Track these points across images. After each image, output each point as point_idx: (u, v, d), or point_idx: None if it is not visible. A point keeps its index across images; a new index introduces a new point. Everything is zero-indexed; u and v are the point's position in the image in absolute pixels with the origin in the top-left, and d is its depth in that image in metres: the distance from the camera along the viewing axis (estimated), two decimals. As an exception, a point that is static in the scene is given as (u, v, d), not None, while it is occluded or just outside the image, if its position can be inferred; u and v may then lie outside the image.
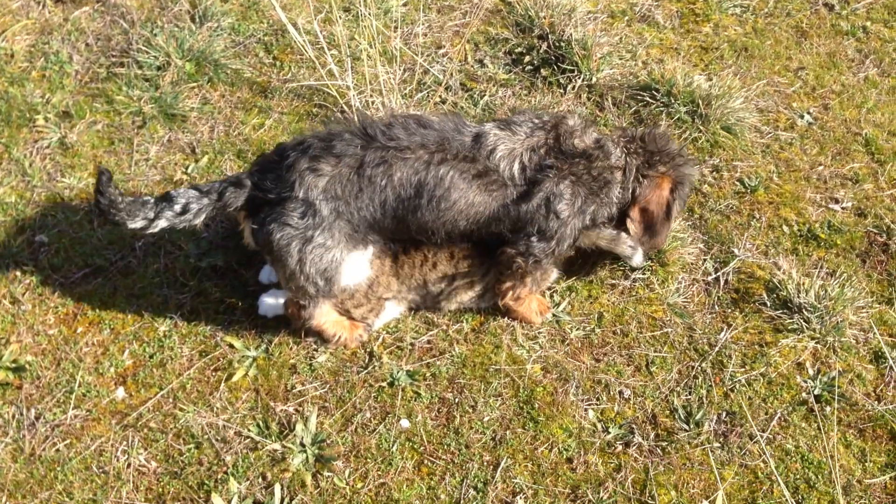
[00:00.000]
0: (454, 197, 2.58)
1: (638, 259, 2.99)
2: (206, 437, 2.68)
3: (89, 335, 2.90)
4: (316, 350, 2.88)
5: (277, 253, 2.55)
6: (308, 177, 2.50)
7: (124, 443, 2.66)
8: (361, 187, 2.53)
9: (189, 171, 3.32)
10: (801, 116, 3.67)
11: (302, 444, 2.67)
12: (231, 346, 2.88)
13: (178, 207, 2.53)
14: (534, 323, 2.95)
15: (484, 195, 2.62)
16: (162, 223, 2.54)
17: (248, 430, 2.69)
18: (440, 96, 3.53)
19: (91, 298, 2.97)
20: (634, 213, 2.77)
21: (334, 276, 2.63)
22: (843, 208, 3.36)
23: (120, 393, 2.78)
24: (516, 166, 2.62)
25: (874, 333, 2.98)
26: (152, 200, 2.53)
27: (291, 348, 2.88)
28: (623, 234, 2.87)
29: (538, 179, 2.61)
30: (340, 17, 3.80)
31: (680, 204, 2.83)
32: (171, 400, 2.76)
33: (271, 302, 2.91)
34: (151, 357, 2.85)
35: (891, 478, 2.67)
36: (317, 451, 2.66)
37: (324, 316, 2.77)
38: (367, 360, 2.88)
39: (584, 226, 2.74)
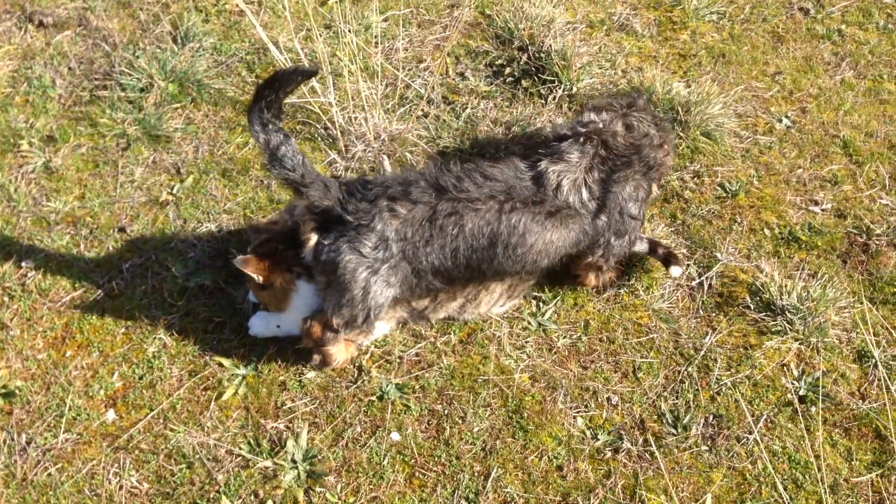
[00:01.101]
0: (530, 241, 2.69)
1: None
2: (197, 456, 2.69)
3: (78, 358, 2.91)
4: (305, 366, 2.89)
5: (341, 275, 2.58)
6: (385, 214, 2.57)
7: (116, 465, 2.67)
8: (433, 234, 2.60)
9: (175, 191, 3.34)
10: (780, 120, 3.72)
11: (293, 461, 2.68)
12: (220, 364, 2.89)
13: (276, 143, 2.49)
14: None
15: (561, 230, 2.74)
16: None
17: (240, 449, 2.71)
18: (422, 110, 3.56)
19: (79, 322, 2.98)
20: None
21: (380, 313, 2.70)
22: (822, 210, 3.40)
23: (110, 415, 2.79)
24: (585, 194, 2.75)
25: (857, 333, 3.01)
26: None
27: (280, 365, 2.90)
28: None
29: (606, 194, 2.76)
30: (321, 35, 3.84)
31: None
32: (161, 421, 2.78)
33: (261, 323, 2.92)
34: (141, 378, 2.87)
35: (877, 475, 2.70)
36: (308, 467, 2.67)
37: (338, 345, 2.80)
38: (356, 375, 2.89)
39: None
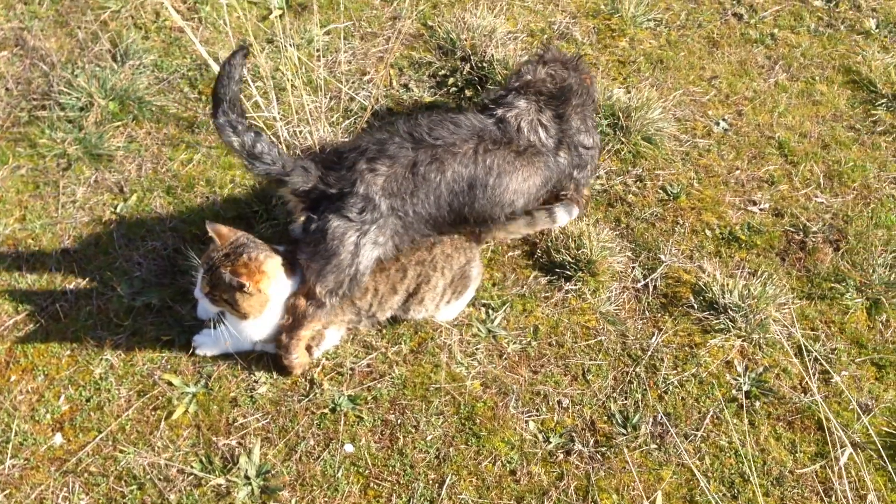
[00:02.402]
0: (505, 181, 2.82)
1: (563, 220, 3.20)
2: (148, 477, 2.66)
3: (23, 383, 2.86)
4: (256, 381, 2.88)
5: (329, 241, 2.63)
6: (367, 175, 2.64)
7: (65, 489, 2.63)
8: (416, 185, 2.69)
9: (118, 210, 3.30)
10: (717, 123, 3.81)
11: (246, 477, 2.67)
12: (169, 383, 2.87)
13: (250, 144, 2.56)
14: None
15: (530, 169, 2.88)
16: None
17: (191, 467, 2.68)
18: (367, 122, 3.58)
19: (23, 346, 2.93)
20: None
21: (363, 279, 2.76)
22: (760, 210, 3.49)
23: (58, 439, 2.75)
24: (542, 133, 2.91)
25: (797, 328, 3.10)
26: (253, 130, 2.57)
27: (231, 381, 2.88)
28: (540, 213, 3.12)
29: (560, 132, 2.95)
30: (263, 49, 3.83)
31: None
32: (110, 443, 2.74)
33: (208, 340, 2.90)
34: (88, 401, 2.83)
35: (820, 466, 2.78)
36: (262, 483, 2.66)
37: (316, 325, 2.82)
38: (307, 388, 2.89)
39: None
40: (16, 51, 3.83)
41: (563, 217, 3.16)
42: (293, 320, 2.79)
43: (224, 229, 2.68)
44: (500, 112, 2.91)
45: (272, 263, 2.66)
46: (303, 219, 2.71)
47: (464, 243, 2.94)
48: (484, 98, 3.55)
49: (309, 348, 2.89)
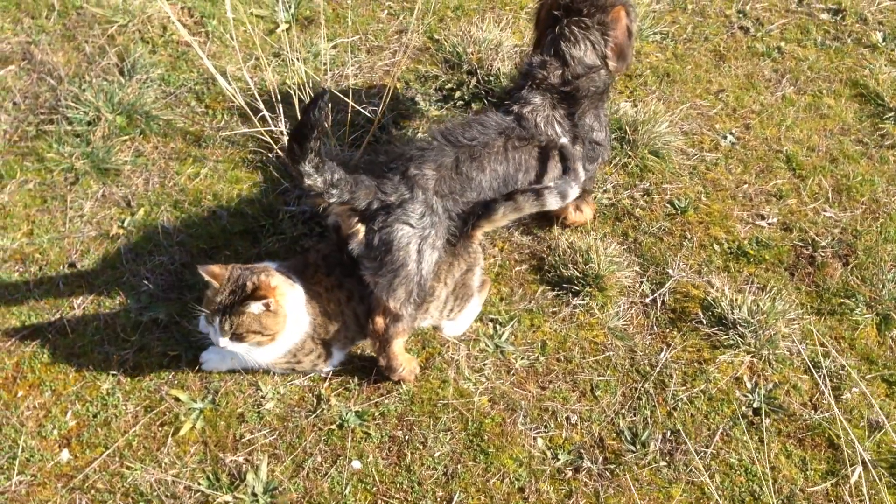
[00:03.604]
0: (532, 176, 2.86)
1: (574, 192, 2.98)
2: (155, 494, 2.65)
3: (30, 398, 2.85)
4: (263, 397, 2.87)
5: (396, 251, 2.63)
6: (421, 181, 2.66)
7: (72, 506, 2.63)
8: (462, 185, 2.73)
9: (125, 224, 3.30)
10: (724, 137, 3.80)
11: (254, 494, 2.65)
12: (177, 399, 2.86)
13: (331, 176, 2.52)
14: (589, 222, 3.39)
15: (551, 162, 2.91)
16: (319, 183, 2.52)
17: (198, 484, 2.67)
18: (374, 135, 3.58)
19: (30, 361, 2.93)
20: (609, 52, 2.97)
21: (427, 283, 2.77)
22: (769, 224, 3.48)
23: (65, 455, 2.74)
24: (557, 128, 2.91)
25: (806, 344, 3.08)
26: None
27: (238, 397, 2.87)
28: (526, 196, 2.91)
29: (574, 128, 2.95)
30: (270, 63, 3.84)
31: (635, 21, 3.09)
32: (117, 459, 2.73)
33: (216, 357, 2.89)
34: (95, 416, 2.82)
35: (831, 484, 2.76)
36: (269, 500, 2.65)
37: (402, 338, 2.81)
38: (315, 404, 2.88)
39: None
40: (23, 65, 3.84)
41: (554, 201, 2.84)
42: (379, 343, 2.80)
43: (216, 269, 2.59)
44: (515, 109, 2.90)
45: (276, 280, 2.64)
46: (361, 230, 2.68)
47: (462, 251, 2.92)
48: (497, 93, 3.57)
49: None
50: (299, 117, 2.44)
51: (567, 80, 2.91)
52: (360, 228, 2.66)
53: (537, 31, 3.03)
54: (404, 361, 2.88)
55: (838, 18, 4.42)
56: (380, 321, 2.76)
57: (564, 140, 2.91)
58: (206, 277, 2.57)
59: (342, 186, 2.54)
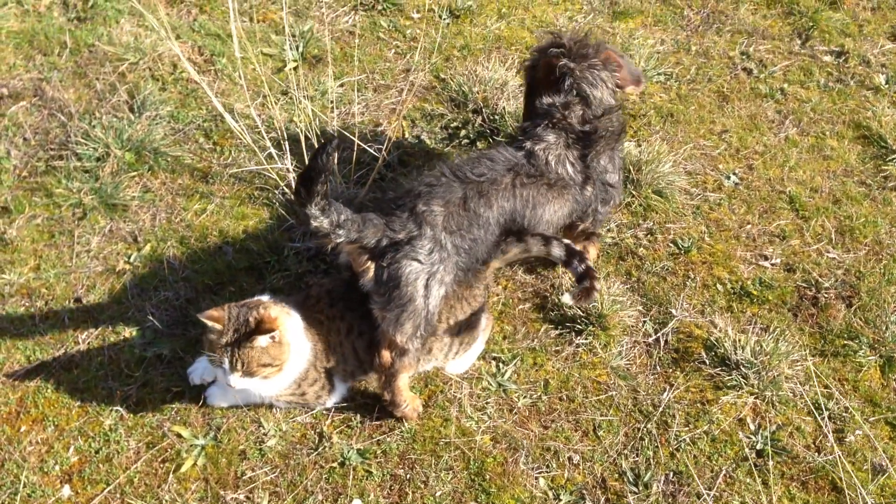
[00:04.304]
0: (539, 213, 2.88)
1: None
2: (155, 531, 2.64)
3: (33, 433, 2.86)
4: (265, 434, 2.87)
5: (404, 286, 2.65)
6: (429, 217, 2.69)
7: (72, 543, 2.62)
8: (470, 221, 2.75)
9: (132, 259, 3.33)
10: (728, 177, 3.82)
11: (254, 532, 2.65)
12: (179, 435, 2.86)
13: (337, 217, 2.54)
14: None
15: (560, 201, 2.93)
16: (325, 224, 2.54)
17: (199, 522, 2.67)
18: (379, 173, 3.61)
19: (34, 395, 2.94)
20: (621, 82, 3.08)
21: (433, 319, 2.79)
22: (772, 265, 3.49)
23: (66, 491, 2.74)
24: (569, 168, 2.93)
25: (810, 386, 3.07)
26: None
27: (240, 434, 2.87)
28: (535, 239, 2.96)
29: (587, 168, 2.96)
30: (277, 101, 3.88)
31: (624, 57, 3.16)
32: (118, 495, 2.73)
33: (220, 392, 2.90)
34: (97, 452, 2.82)
35: (835, 527, 2.74)
36: (269, 539, 2.64)
37: (408, 373, 2.84)
38: (317, 441, 2.88)
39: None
40: (34, 101, 3.89)
41: (559, 252, 2.87)
42: (385, 377, 2.82)
43: (214, 312, 2.61)
44: (528, 145, 2.93)
45: (274, 310, 2.65)
46: (372, 267, 2.71)
47: (466, 294, 2.94)
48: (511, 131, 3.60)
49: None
50: (307, 162, 2.47)
51: (587, 120, 2.95)
52: (371, 265, 2.69)
53: (538, 88, 3.05)
54: (408, 398, 2.89)
55: (841, 61, 4.46)
56: (386, 355, 2.78)
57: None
58: (208, 322, 2.58)
59: (348, 227, 2.56)
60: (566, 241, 2.86)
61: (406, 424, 2.92)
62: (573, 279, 2.83)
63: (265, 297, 2.76)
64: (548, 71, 2.98)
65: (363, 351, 2.85)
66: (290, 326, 2.68)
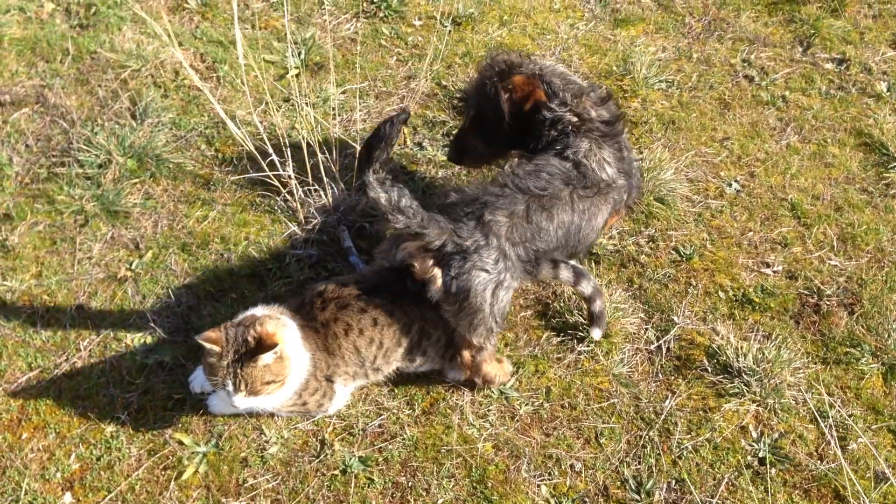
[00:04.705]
0: (594, 223, 2.95)
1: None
2: (157, 538, 2.64)
3: (34, 440, 2.85)
4: (267, 441, 2.87)
5: (473, 298, 2.69)
6: (495, 227, 2.72)
7: (73, 550, 2.62)
8: (533, 233, 2.78)
9: (133, 266, 3.33)
10: (729, 185, 3.83)
11: (255, 540, 2.64)
12: (180, 442, 2.86)
13: (397, 198, 2.55)
14: None
15: (606, 206, 2.97)
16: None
17: (200, 529, 2.66)
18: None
19: (36, 403, 2.94)
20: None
21: (505, 315, 2.86)
22: (774, 272, 3.49)
23: (67, 498, 2.73)
24: (609, 170, 2.96)
25: (812, 393, 3.07)
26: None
27: (242, 441, 2.87)
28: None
29: (622, 163, 3.00)
30: (279, 108, 3.89)
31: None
32: (120, 503, 2.72)
33: (220, 402, 2.89)
34: (99, 459, 2.82)
35: (838, 536, 2.73)
36: (271, 546, 2.64)
37: (490, 361, 2.96)
38: (318, 448, 2.87)
39: None
40: (36, 108, 3.90)
41: (567, 276, 3.03)
42: (471, 371, 2.95)
43: (213, 334, 2.57)
44: (570, 153, 2.94)
45: (270, 325, 2.62)
46: (439, 276, 2.71)
47: None
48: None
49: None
50: (373, 130, 2.51)
51: (602, 117, 3.02)
52: (438, 274, 2.70)
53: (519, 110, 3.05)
54: (497, 373, 3.01)
55: (843, 68, 4.47)
56: (466, 354, 2.90)
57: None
58: (206, 345, 2.54)
59: (410, 214, 2.56)
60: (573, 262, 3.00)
61: (408, 432, 2.91)
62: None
63: (258, 311, 2.72)
64: (532, 112, 3.00)
65: (364, 348, 2.84)
66: (287, 338, 2.66)
